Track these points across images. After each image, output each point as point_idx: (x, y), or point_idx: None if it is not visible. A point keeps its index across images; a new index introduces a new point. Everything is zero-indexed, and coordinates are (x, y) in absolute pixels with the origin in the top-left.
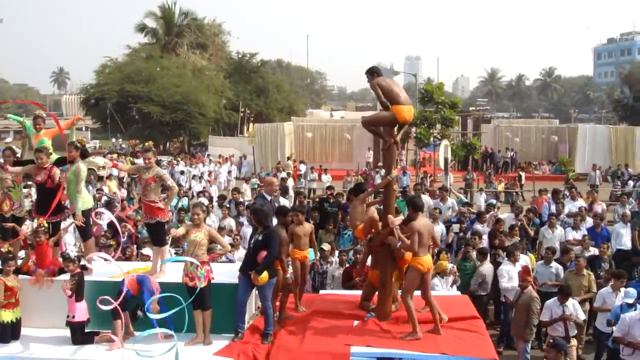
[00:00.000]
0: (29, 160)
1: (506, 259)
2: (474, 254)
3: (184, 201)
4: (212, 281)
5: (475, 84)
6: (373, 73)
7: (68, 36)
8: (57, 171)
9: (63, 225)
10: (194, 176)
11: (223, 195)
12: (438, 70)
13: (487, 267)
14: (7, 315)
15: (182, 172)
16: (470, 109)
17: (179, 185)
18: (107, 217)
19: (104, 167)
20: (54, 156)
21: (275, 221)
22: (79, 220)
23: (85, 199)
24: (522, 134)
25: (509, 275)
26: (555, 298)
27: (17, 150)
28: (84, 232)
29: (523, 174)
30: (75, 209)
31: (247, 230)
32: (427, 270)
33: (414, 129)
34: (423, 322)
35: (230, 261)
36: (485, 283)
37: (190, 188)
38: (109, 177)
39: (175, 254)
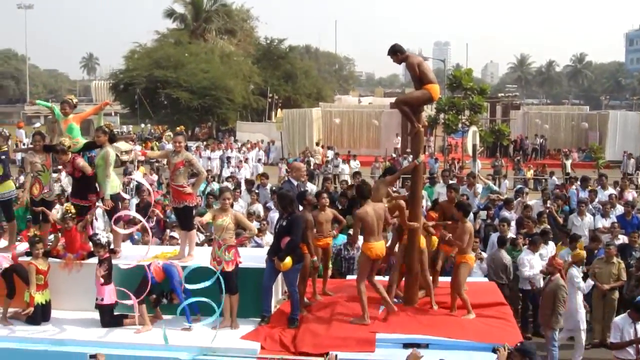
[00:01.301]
0: (56, 145)
1: (526, 247)
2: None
3: (214, 185)
4: (240, 265)
5: (504, 70)
6: (396, 52)
7: (98, 22)
8: (80, 161)
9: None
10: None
11: (251, 180)
12: (467, 56)
13: (506, 255)
14: (38, 298)
15: (209, 158)
16: (499, 95)
17: (207, 170)
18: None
19: (127, 152)
20: (82, 141)
21: (300, 207)
22: (107, 205)
23: (113, 184)
24: (552, 121)
25: (530, 264)
26: (626, 314)
27: (46, 135)
28: (111, 215)
29: (568, 162)
30: (104, 194)
31: (275, 215)
32: (375, 257)
33: (442, 115)
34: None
35: (260, 246)
36: (508, 271)
37: (221, 174)
38: (140, 163)
39: (205, 236)
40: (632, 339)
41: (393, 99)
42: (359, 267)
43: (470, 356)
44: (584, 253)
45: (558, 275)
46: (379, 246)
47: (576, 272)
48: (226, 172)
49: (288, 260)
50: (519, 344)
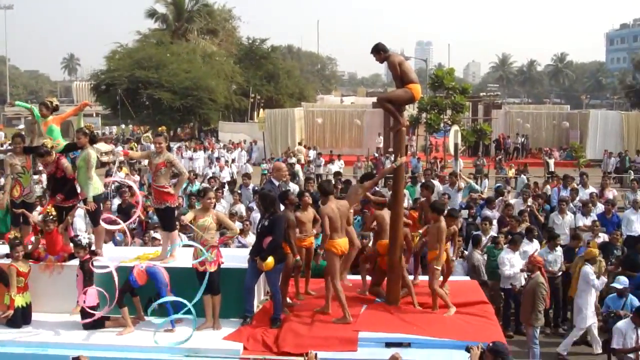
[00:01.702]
0: (38, 147)
1: (506, 246)
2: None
3: (197, 185)
4: (222, 266)
5: (486, 70)
6: (379, 51)
7: (78, 22)
8: (64, 162)
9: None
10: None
11: (234, 181)
12: (449, 56)
13: (477, 256)
14: (18, 300)
15: (190, 159)
16: (481, 94)
17: (189, 170)
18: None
19: (107, 154)
20: (63, 143)
21: (282, 207)
22: (90, 206)
23: (96, 185)
24: (533, 120)
25: (510, 263)
26: (628, 319)
27: (26, 137)
28: (94, 218)
29: (551, 161)
30: (86, 195)
31: (257, 215)
32: (341, 253)
33: (424, 115)
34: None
35: (244, 246)
36: (479, 271)
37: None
38: (121, 164)
39: (188, 238)
40: (634, 344)
41: (375, 99)
42: (328, 266)
43: (451, 355)
44: (596, 251)
45: (538, 272)
46: (343, 243)
47: (590, 270)
48: (210, 173)
49: (270, 260)
50: (490, 344)
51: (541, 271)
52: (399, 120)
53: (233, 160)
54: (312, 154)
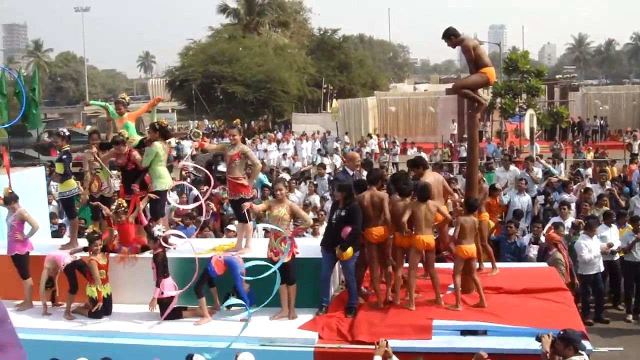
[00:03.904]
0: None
1: (582, 231)
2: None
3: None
4: (297, 256)
5: (562, 51)
6: (450, 36)
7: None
8: (135, 154)
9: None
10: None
11: (307, 171)
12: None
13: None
14: (97, 292)
15: (265, 150)
16: (557, 77)
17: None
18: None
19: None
20: (138, 138)
21: None
22: (152, 196)
23: (164, 179)
24: (612, 101)
25: (588, 248)
26: None
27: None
28: (155, 210)
29: (636, 143)
30: (153, 188)
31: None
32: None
33: (498, 100)
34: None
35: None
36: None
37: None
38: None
39: (263, 229)
40: None
41: (449, 85)
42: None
43: (528, 342)
44: None
45: (555, 249)
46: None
47: None
48: (284, 164)
49: (350, 249)
50: (561, 332)
51: (558, 247)
52: (481, 102)
53: (306, 151)
54: (385, 142)
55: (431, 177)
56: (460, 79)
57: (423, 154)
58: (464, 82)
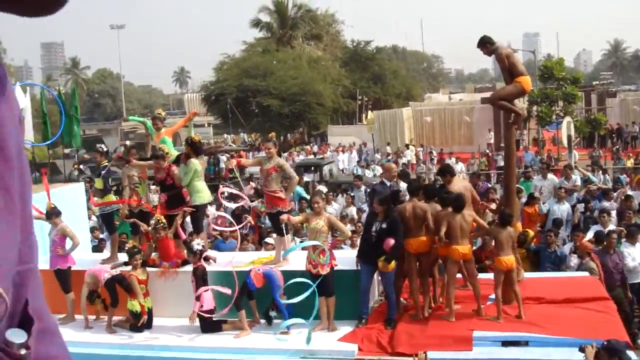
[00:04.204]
0: (153, 152)
1: (624, 240)
2: None
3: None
4: (335, 268)
5: (598, 57)
6: (486, 44)
7: (187, 37)
8: (174, 169)
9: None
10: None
11: (344, 183)
12: (558, 46)
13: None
14: (140, 306)
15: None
16: (594, 83)
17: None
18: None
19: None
20: (175, 153)
21: None
22: (188, 210)
23: (202, 194)
24: None
25: (632, 256)
26: None
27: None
28: (197, 225)
29: None
30: (192, 203)
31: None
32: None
33: (535, 108)
34: (548, 302)
35: None
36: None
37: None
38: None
39: (301, 242)
40: None
41: (484, 94)
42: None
43: (571, 353)
44: None
45: (588, 258)
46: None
47: None
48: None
49: (393, 262)
50: (605, 342)
51: (591, 256)
52: (518, 113)
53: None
54: (421, 152)
55: (460, 185)
56: (496, 90)
57: (460, 164)
58: (499, 94)
